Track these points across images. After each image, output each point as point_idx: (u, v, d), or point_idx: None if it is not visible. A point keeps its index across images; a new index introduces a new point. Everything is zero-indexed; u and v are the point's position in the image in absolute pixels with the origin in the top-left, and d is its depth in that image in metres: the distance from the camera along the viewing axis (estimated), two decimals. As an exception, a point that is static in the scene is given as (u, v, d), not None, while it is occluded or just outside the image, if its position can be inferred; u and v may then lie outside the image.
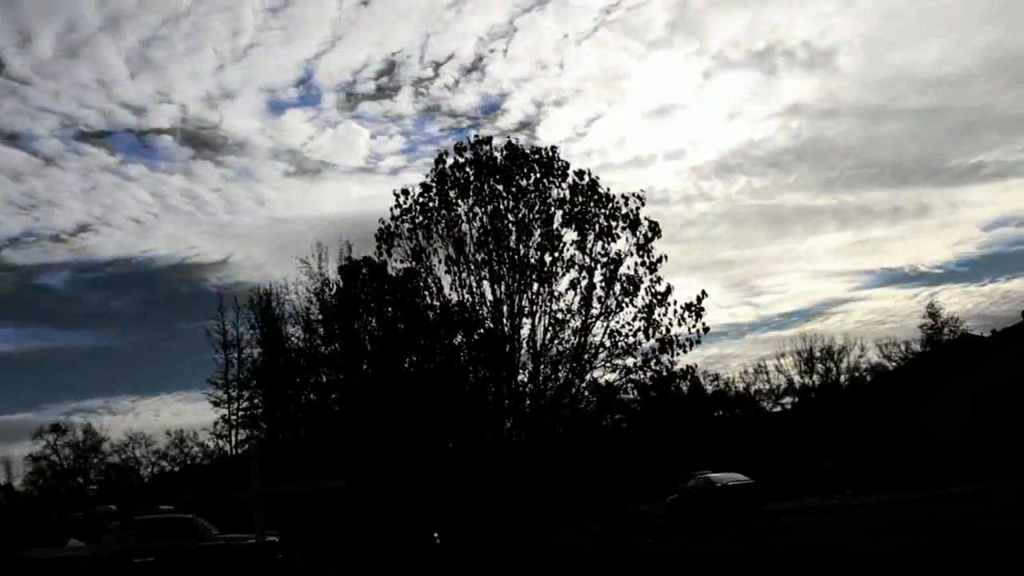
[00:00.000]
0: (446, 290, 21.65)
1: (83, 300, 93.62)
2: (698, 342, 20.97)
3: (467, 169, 21.66)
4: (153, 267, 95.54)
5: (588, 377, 21.35)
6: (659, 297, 20.84)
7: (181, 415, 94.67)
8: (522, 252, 21.15)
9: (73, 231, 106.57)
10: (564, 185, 21.51)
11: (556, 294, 21.04)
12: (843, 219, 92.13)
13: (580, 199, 21.34)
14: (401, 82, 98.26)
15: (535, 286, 21.02)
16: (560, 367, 21.11)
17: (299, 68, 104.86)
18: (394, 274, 22.65)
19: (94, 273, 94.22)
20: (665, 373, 21.36)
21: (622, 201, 21.31)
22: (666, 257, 21.12)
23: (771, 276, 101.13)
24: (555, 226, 21.31)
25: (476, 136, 22.18)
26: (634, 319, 20.86)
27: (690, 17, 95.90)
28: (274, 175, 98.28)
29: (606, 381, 21.36)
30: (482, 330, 21.24)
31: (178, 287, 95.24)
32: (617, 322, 20.99)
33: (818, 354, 62.17)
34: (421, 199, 21.73)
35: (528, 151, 21.79)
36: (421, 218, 21.64)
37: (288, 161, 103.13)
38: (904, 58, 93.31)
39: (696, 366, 23.85)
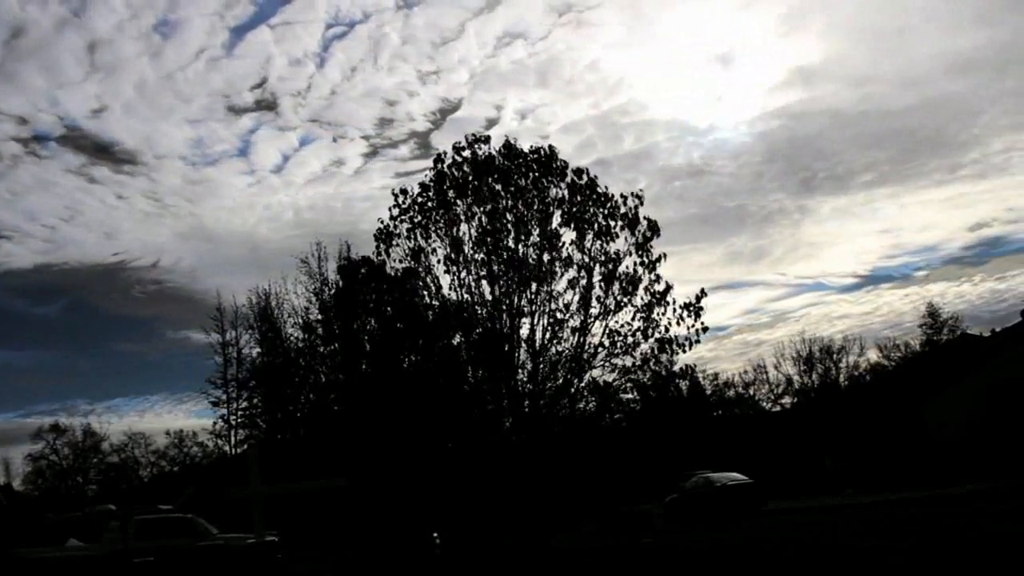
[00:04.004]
0: (445, 290, 21.62)
1: (8, 308, 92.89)
2: (697, 341, 20.92)
3: (465, 168, 21.62)
4: (77, 273, 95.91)
5: (587, 377, 21.30)
6: (658, 296, 20.79)
7: (145, 418, 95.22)
8: (521, 251, 21.12)
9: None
10: (562, 184, 21.46)
11: (555, 293, 21.00)
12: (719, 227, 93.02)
13: (579, 198, 21.29)
14: (278, 94, 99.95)
15: (534, 285, 20.98)
16: (559, 367, 21.06)
17: (174, 76, 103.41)
18: (393, 274, 22.62)
19: (17, 280, 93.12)
20: (664, 373, 21.29)
21: (620, 200, 21.28)
22: (665, 256, 21.11)
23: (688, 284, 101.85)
24: (554, 225, 21.27)
25: (474, 135, 22.16)
26: (633, 318, 20.82)
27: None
28: (175, 182, 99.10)
29: (605, 381, 21.30)
30: (481, 330, 21.20)
31: (106, 292, 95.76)
32: (616, 321, 20.95)
33: (817, 354, 62.26)
34: (420, 199, 21.71)
35: (527, 151, 21.75)
36: (420, 218, 21.61)
37: (187, 167, 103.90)
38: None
39: (695, 365, 23.80)
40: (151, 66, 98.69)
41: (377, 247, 22.15)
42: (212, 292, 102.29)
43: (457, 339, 21.88)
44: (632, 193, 21.46)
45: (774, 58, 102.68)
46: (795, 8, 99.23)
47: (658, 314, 20.76)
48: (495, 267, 21.12)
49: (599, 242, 21.13)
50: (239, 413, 45.60)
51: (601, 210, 21.20)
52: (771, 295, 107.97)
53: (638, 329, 20.75)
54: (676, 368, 21.31)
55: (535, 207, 21.33)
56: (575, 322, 20.92)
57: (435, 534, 20.47)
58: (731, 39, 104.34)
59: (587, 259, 21.05)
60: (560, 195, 21.39)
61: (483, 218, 21.21)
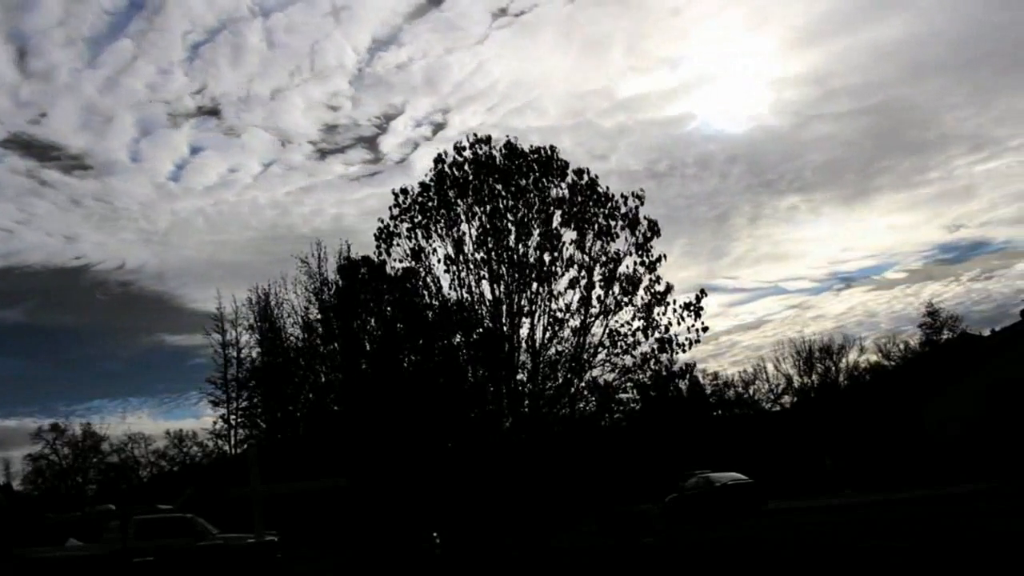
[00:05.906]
0: (445, 289, 21.59)
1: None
2: (697, 341, 20.88)
3: (466, 168, 21.60)
4: (40, 276, 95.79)
5: (587, 376, 21.29)
6: (658, 296, 20.77)
7: (128, 420, 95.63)
8: (521, 251, 21.10)
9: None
10: (563, 184, 21.45)
11: (555, 293, 20.97)
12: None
13: (579, 198, 21.27)
14: (220, 102, 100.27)
15: (534, 285, 20.96)
16: (559, 366, 21.04)
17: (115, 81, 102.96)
18: (393, 273, 22.60)
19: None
20: (664, 372, 21.28)
21: (621, 200, 21.27)
22: (665, 256, 21.10)
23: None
24: (554, 225, 21.24)
25: (475, 135, 22.15)
26: (633, 318, 20.80)
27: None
28: (125, 186, 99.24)
29: (605, 381, 21.29)
30: (481, 329, 21.18)
31: (72, 295, 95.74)
32: (616, 321, 20.93)
33: (817, 353, 62.32)
34: (420, 199, 21.68)
35: (527, 150, 21.73)
36: (420, 217, 21.58)
37: (136, 172, 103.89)
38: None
39: (695, 364, 23.75)
40: (85, 73, 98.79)
41: (377, 246, 22.12)
42: (184, 295, 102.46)
43: (457, 339, 21.85)
44: (632, 193, 21.47)
45: (723, 58, 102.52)
46: (749, 7, 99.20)
47: (658, 314, 20.76)
48: (496, 267, 21.11)
49: (599, 242, 21.12)
50: (239, 413, 45.66)
51: (601, 210, 21.17)
52: (737, 297, 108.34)
53: (638, 329, 20.74)
54: (676, 368, 21.29)
55: (536, 207, 21.30)
56: (575, 322, 20.91)
57: (435, 534, 20.48)
58: (664, 42, 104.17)
59: (588, 259, 21.03)
60: (561, 195, 21.37)
61: (484, 218, 21.18)
